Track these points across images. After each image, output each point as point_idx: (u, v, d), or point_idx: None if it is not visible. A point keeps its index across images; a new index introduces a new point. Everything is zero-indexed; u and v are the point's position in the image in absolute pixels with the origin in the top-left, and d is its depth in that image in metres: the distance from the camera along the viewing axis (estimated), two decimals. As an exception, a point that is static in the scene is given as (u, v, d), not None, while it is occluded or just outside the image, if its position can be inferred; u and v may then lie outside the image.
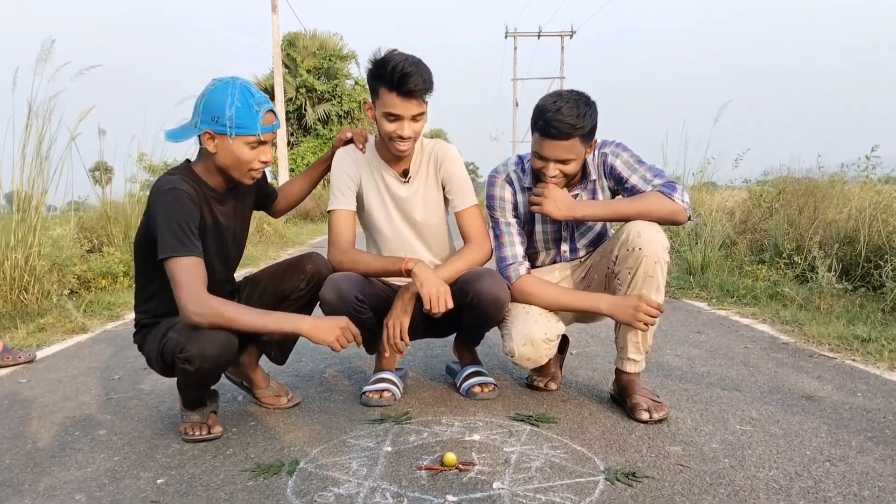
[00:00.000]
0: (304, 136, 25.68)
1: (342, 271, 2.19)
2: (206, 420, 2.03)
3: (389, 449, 1.89)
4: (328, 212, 2.32)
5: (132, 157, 6.67)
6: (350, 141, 2.35)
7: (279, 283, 2.20)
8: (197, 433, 1.99)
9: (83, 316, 3.98)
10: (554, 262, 2.35)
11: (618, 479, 1.66)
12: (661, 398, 2.18)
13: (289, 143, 23.66)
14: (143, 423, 2.19)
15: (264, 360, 2.34)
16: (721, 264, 5.23)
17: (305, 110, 25.33)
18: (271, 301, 2.17)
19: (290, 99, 24.72)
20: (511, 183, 2.25)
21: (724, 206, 6.46)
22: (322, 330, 1.87)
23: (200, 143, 1.95)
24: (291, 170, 21.77)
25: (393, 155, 2.24)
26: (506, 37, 31.57)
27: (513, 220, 2.24)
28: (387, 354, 2.41)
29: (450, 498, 1.57)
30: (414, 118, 2.12)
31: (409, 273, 2.09)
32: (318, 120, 25.41)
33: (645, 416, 2.06)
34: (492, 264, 2.26)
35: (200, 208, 1.95)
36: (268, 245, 9.61)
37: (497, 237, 2.25)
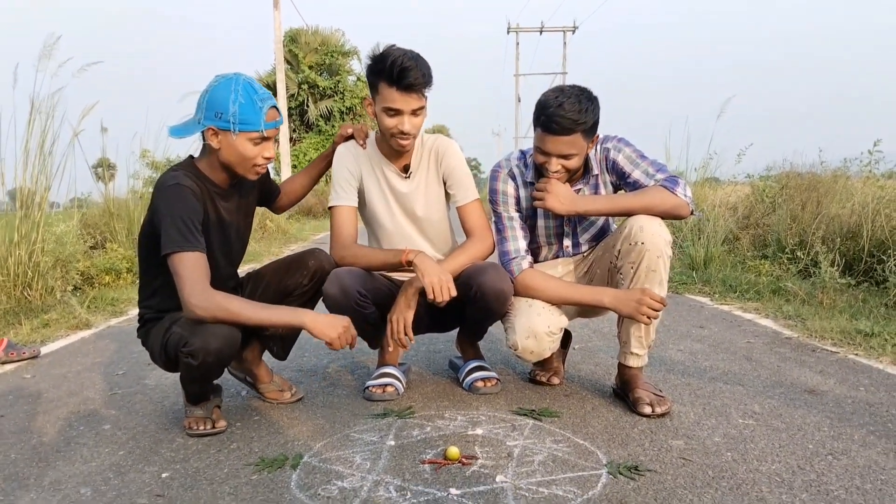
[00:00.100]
0: (307, 132, 25.68)
1: (344, 266, 2.20)
2: (210, 415, 2.04)
3: (393, 443, 1.90)
4: (329, 208, 2.32)
5: (135, 153, 6.70)
6: (351, 137, 2.35)
7: (282, 278, 2.21)
8: (201, 428, 2.00)
9: (87, 312, 4.00)
10: (556, 257, 2.35)
11: (620, 473, 1.66)
12: (663, 392, 2.18)
13: (291, 139, 23.66)
14: (147, 417, 2.20)
15: (267, 356, 2.34)
16: (724, 259, 5.23)
17: (307, 106, 25.33)
18: (275, 297, 2.18)
19: (293, 95, 24.72)
20: (514, 177, 2.25)
21: (727, 201, 6.45)
22: (325, 325, 1.88)
23: (204, 140, 1.95)
24: (294, 166, 21.77)
25: (394, 150, 2.24)
26: (508, 32, 31.48)
27: (515, 215, 2.24)
28: (390, 349, 2.42)
29: (453, 491, 1.58)
30: (414, 112, 2.12)
31: (409, 264, 2.10)
32: (321, 116, 25.41)
33: (647, 410, 2.06)
34: (494, 259, 2.26)
35: (204, 204, 1.95)
36: (270, 241, 9.64)
37: (500, 231, 2.25)
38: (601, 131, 2.11)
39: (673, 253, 2.08)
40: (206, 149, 1.98)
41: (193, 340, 1.81)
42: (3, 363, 2.94)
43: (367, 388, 2.34)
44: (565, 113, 1.96)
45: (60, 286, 4.43)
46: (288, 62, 23.81)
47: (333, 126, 25.15)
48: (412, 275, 2.13)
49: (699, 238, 5.35)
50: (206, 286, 1.81)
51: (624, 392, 2.21)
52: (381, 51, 2.10)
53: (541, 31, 31.05)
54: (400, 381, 2.38)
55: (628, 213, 2.08)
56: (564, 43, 30.67)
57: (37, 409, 2.32)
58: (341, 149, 2.33)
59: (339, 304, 2.11)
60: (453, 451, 1.76)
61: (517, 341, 2.13)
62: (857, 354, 2.80)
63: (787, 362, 2.71)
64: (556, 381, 2.44)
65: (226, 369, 2.23)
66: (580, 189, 2.19)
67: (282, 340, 2.30)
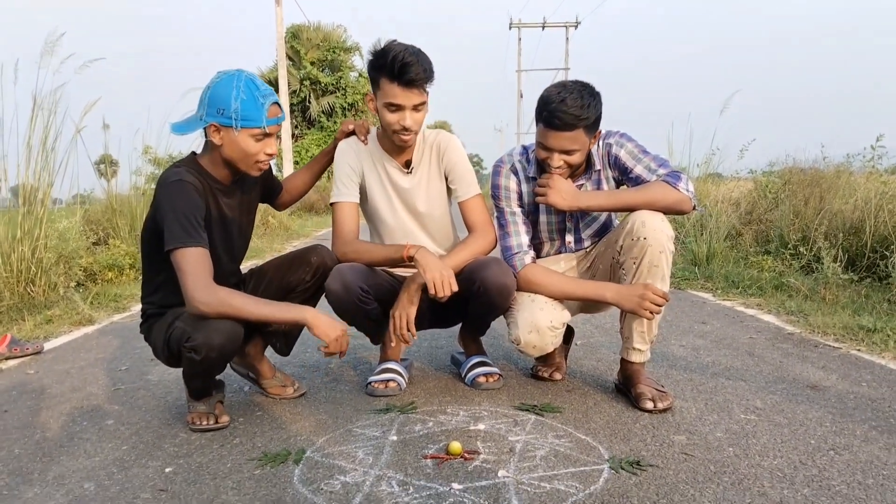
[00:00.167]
0: (309, 128, 25.69)
1: (346, 262, 2.20)
2: (212, 410, 2.05)
3: (395, 438, 1.91)
4: (331, 204, 2.32)
5: (137, 149, 6.71)
6: (352, 133, 2.35)
7: (285, 275, 2.21)
8: (204, 423, 2.01)
9: (90, 308, 4.01)
10: (559, 252, 2.35)
11: (622, 468, 1.67)
12: (665, 388, 2.18)
13: (293, 135, 23.66)
14: (150, 413, 2.21)
15: (270, 352, 2.35)
16: (726, 255, 5.22)
17: (309, 102, 25.33)
18: (277, 293, 2.19)
19: (294, 91, 24.72)
20: (516, 172, 2.25)
21: (730, 196, 6.44)
22: (326, 325, 1.90)
23: (206, 136, 1.96)
24: (296, 162, 21.79)
25: (395, 146, 2.24)
26: (510, 28, 31.43)
27: (518, 210, 2.24)
28: (393, 345, 2.42)
29: (455, 486, 1.59)
30: (415, 108, 2.12)
31: (411, 260, 2.10)
32: (322, 112, 25.40)
33: (649, 405, 2.07)
34: (496, 254, 2.27)
35: (206, 200, 1.95)
36: (273, 237, 9.65)
37: (502, 226, 2.25)
38: (603, 127, 2.11)
39: (675, 248, 2.08)
40: (209, 145, 1.98)
41: (196, 336, 1.81)
42: (7, 359, 2.95)
43: (370, 383, 2.34)
44: (567, 108, 1.96)
45: (63, 282, 4.44)
46: (290, 58, 23.81)
47: (335, 122, 25.15)
48: (414, 270, 2.13)
49: (702, 234, 5.35)
50: (210, 281, 1.82)
51: (626, 387, 2.21)
52: (382, 46, 2.10)
53: (543, 27, 31.00)
54: (402, 376, 2.38)
55: (630, 209, 2.08)
56: (567, 38, 30.61)
57: (40, 405, 2.33)
58: (343, 145, 2.33)
59: (342, 300, 2.12)
60: (455, 446, 1.76)
61: (520, 335, 2.13)
62: (859, 350, 2.79)
63: (789, 358, 2.71)
64: (558, 376, 2.44)
65: (228, 365, 2.24)
66: (582, 185, 2.19)
67: (285, 336, 2.30)
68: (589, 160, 2.16)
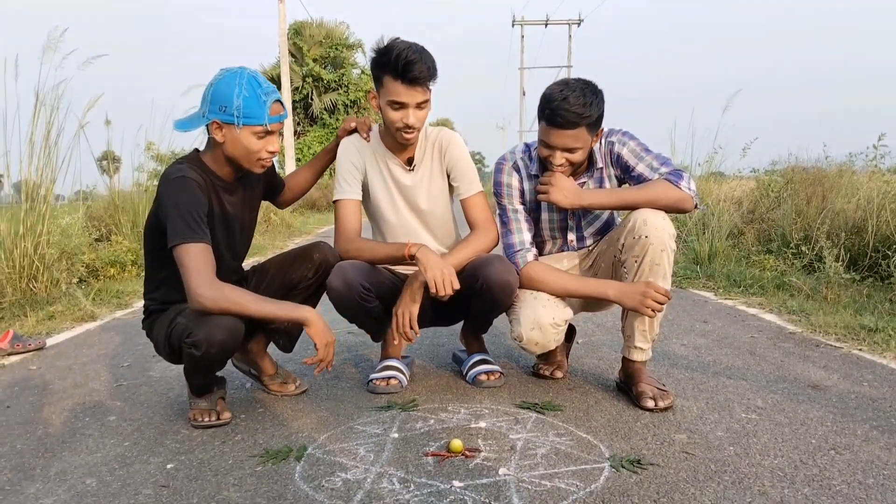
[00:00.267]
0: (311, 125, 25.69)
1: (348, 260, 2.20)
2: (214, 406, 2.05)
3: (396, 435, 1.91)
4: (334, 201, 2.32)
5: (140, 146, 6.71)
6: (354, 130, 2.35)
7: (287, 272, 2.21)
8: (206, 419, 2.01)
9: (92, 304, 4.02)
10: (561, 251, 2.35)
11: (623, 466, 1.67)
12: (666, 386, 2.19)
13: (295, 132, 23.67)
14: (152, 409, 2.22)
15: (272, 348, 2.35)
16: (728, 254, 5.22)
17: (312, 100, 25.33)
18: (279, 290, 2.19)
19: (297, 88, 24.72)
20: (518, 170, 2.25)
21: (732, 195, 6.43)
22: (324, 328, 1.94)
23: (208, 133, 1.96)
24: (298, 159, 21.79)
25: (398, 143, 2.24)
26: (513, 25, 31.38)
27: (520, 207, 2.24)
28: (395, 342, 2.42)
29: (456, 484, 1.59)
30: (419, 106, 2.12)
31: (412, 258, 2.10)
32: (325, 109, 25.41)
33: (650, 404, 2.07)
34: (498, 251, 2.27)
35: (209, 197, 1.96)
36: (275, 234, 9.65)
37: (504, 224, 2.25)
38: (606, 125, 2.11)
39: (677, 247, 2.08)
40: (211, 142, 1.98)
41: (197, 331, 1.81)
42: (9, 354, 2.96)
43: (371, 380, 2.35)
44: (570, 106, 1.95)
45: (66, 278, 4.45)
46: (292, 55, 23.81)
47: (338, 119, 25.15)
48: (416, 268, 2.13)
49: (703, 232, 5.34)
50: (213, 277, 1.82)
51: (627, 386, 2.21)
52: (385, 44, 2.10)
53: (546, 24, 30.94)
54: (403, 373, 2.38)
55: (632, 207, 2.08)
56: (570, 36, 30.56)
57: (42, 401, 2.34)
58: (345, 142, 2.33)
59: (343, 298, 2.12)
60: (456, 443, 1.77)
61: (522, 333, 2.13)
62: (860, 350, 2.79)
63: (790, 357, 2.71)
64: (559, 374, 2.44)
65: (231, 361, 2.24)
66: (584, 182, 2.19)
67: (287, 334, 2.30)
68: (591, 158, 2.16)
